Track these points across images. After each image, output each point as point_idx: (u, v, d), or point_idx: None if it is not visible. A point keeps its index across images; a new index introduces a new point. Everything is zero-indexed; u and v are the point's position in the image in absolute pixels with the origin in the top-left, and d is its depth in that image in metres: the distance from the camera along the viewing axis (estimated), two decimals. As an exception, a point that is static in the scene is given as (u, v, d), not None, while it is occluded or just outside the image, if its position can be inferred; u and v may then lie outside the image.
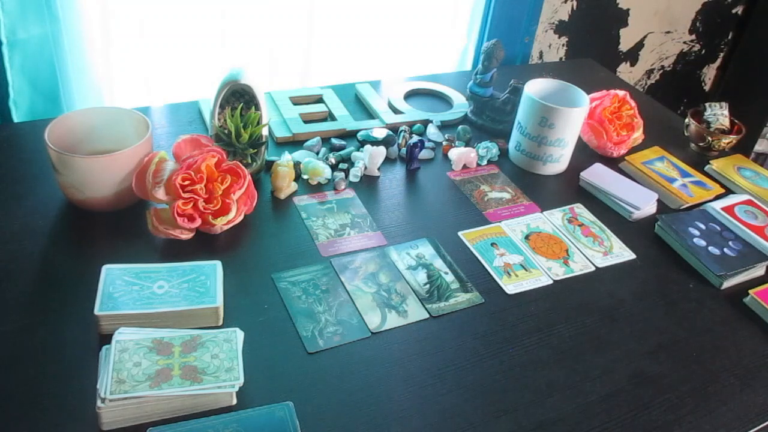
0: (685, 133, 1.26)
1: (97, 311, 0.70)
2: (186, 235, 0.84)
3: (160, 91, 1.22)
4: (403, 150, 1.10)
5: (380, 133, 1.10)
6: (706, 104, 1.26)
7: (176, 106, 1.15)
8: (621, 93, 1.18)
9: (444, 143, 1.14)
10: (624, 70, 1.86)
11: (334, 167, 1.05)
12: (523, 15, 1.50)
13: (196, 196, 0.83)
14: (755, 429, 0.74)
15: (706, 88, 2.10)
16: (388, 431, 0.67)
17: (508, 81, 1.23)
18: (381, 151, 1.04)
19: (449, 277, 0.87)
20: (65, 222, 0.87)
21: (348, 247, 0.90)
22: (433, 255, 0.91)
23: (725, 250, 0.97)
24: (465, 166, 1.11)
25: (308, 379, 0.71)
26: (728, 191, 1.14)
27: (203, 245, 0.86)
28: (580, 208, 1.05)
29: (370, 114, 1.21)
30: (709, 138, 1.21)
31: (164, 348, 0.67)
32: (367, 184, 1.03)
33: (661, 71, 1.95)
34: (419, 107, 1.25)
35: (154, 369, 0.65)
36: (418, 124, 1.19)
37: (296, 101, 1.19)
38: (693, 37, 1.91)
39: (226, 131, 0.93)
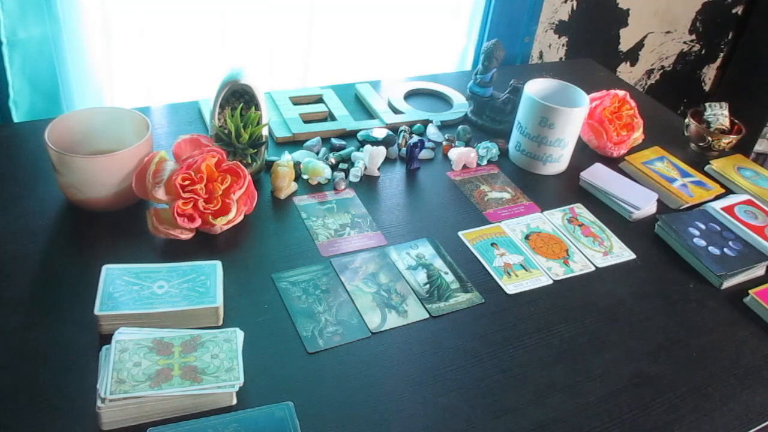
0: (685, 133, 1.26)
1: (97, 311, 0.70)
2: (186, 235, 0.84)
3: (160, 91, 1.22)
4: (403, 150, 1.10)
5: (380, 133, 1.10)
6: (706, 104, 1.26)
7: (176, 106, 1.15)
8: (621, 93, 1.18)
9: (444, 143, 1.14)
10: (624, 70, 1.86)
11: (334, 167, 1.05)
12: (523, 15, 1.50)
13: (196, 196, 0.83)
14: (755, 429, 0.74)
15: (706, 88, 2.10)
16: (387, 431, 0.67)
17: (508, 81, 1.23)
18: (381, 151, 1.04)
19: (449, 277, 0.87)
20: (65, 222, 0.87)
21: (348, 247, 0.90)
22: (433, 255, 0.91)
23: (725, 250, 0.97)
24: (465, 166, 1.11)
25: (308, 379, 0.71)
26: (728, 191, 1.14)
27: (203, 245, 0.86)
28: (580, 208, 1.05)
29: (370, 114, 1.21)
30: (709, 138, 1.21)
31: (164, 348, 0.67)
32: (367, 184, 1.03)
33: (661, 71, 1.95)
34: (419, 107, 1.25)
35: (154, 369, 0.65)
36: (418, 124, 1.19)
37: (296, 101, 1.19)
38: (693, 37, 1.91)
39: (226, 131, 0.93)
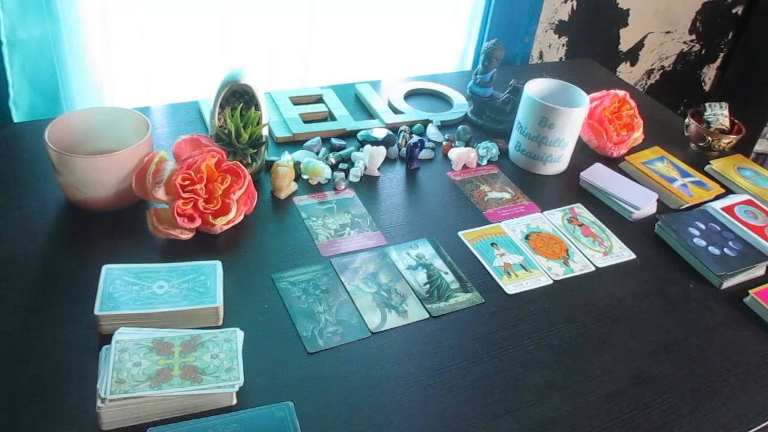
0: (685, 133, 1.26)
1: (97, 311, 0.70)
2: (186, 235, 0.84)
3: (160, 91, 1.22)
4: (403, 150, 1.10)
5: (380, 133, 1.10)
6: (706, 104, 1.26)
7: (176, 106, 1.15)
8: (621, 93, 1.18)
9: (444, 143, 1.14)
10: (624, 70, 1.86)
11: (334, 167, 1.05)
12: (523, 15, 1.50)
13: (196, 196, 0.83)
14: (755, 429, 0.74)
15: (706, 88, 2.10)
16: (387, 431, 0.67)
17: (508, 81, 1.23)
18: (381, 151, 1.04)
19: (449, 277, 0.87)
20: (65, 222, 0.87)
21: (348, 247, 0.90)
22: (433, 255, 0.91)
23: (725, 250, 0.97)
24: (465, 166, 1.11)
25: (308, 379, 0.71)
26: (728, 191, 1.14)
27: (203, 245, 0.86)
28: (580, 208, 1.05)
29: (370, 114, 1.21)
30: (709, 138, 1.21)
31: (164, 348, 0.67)
32: (367, 184, 1.03)
33: (661, 71, 1.95)
34: (419, 107, 1.25)
35: (154, 369, 0.65)
36: (418, 124, 1.19)
37: (296, 101, 1.19)
38: (693, 37, 1.91)
39: (226, 131, 0.93)
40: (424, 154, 1.11)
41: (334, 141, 1.10)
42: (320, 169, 1.00)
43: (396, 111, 1.21)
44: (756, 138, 1.92)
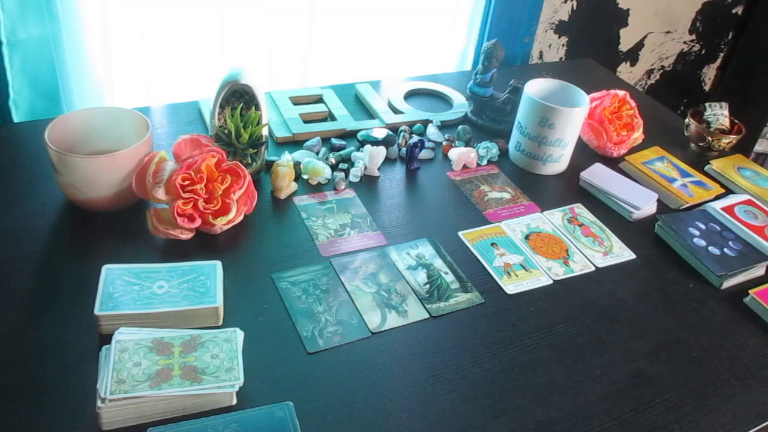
0: (685, 133, 1.26)
1: (97, 311, 0.70)
2: (186, 235, 0.84)
3: (160, 91, 1.22)
4: (403, 150, 1.10)
5: (380, 133, 1.10)
6: (706, 104, 1.26)
7: (176, 106, 1.15)
8: (621, 93, 1.18)
9: (444, 143, 1.14)
10: (624, 70, 1.86)
11: (334, 167, 1.05)
12: (523, 15, 1.50)
13: (196, 196, 0.83)
14: (755, 429, 0.74)
15: (706, 88, 2.10)
16: (388, 431, 0.67)
17: (508, 81, 1.23)
18: (381, 151, 1.04)
19: (449, 277, 0.87)
20: (65, 222, 0.87)
21: (348, 247, 0.90)
22: (433, 255, 0.91)
23: (725, 250, 0.97)
24: (465, 166, 1.11)
25: (308, 379, 0.71)
26: (728, 191, 1.14)
27: (203, 245, 0.86)
28: (580, 208, 1.05)
29: (370, 114, 1.21)
30: (709, 138, 1.21)
31: (164, 348, 0.67)
32: (367, 184, 1.03)
33: (661, 71, 1.95)
34: (419, 107, 1.25)
35: (154, 369, 0.65)
36: (418, 124, 1.19)
37: (296, 101, 1.19)
38: (693, 37, 1.91)
39: (226, 131, 0.94)
40: (424, 154, 1.11)
41: (334, 141, 1.10)
42: (320, 169, 1.00)
43: (396, 111, 1.21)
44: (756, 138, 1.92)
